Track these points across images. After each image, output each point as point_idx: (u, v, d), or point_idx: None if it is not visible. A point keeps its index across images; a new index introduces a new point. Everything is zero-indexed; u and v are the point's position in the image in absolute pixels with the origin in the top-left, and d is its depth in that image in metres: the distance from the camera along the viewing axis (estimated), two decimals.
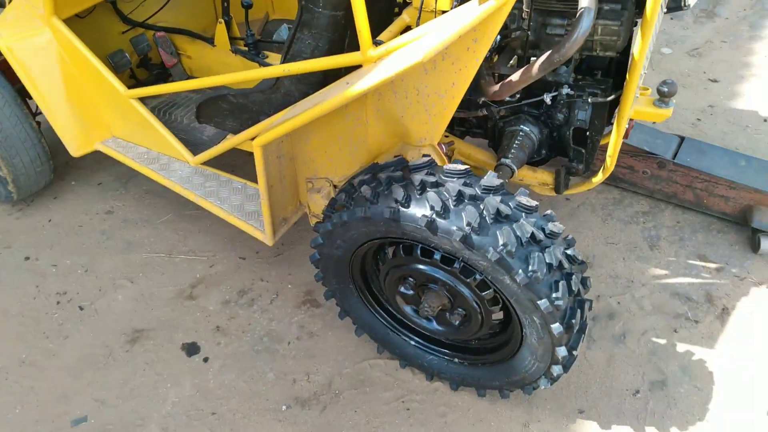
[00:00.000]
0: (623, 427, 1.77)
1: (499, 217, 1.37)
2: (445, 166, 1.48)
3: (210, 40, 2.63)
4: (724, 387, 1.86)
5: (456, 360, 1.81)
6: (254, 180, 1.92)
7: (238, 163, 2.43)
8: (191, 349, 2.03)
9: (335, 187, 1.90)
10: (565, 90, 1.73)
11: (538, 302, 1.36)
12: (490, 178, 1.45)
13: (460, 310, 1.63)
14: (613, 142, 1.72)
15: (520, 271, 1.33)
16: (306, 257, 2.14)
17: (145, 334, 2.07)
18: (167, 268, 2.32)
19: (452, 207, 1.37)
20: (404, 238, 1.51)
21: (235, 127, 2.09)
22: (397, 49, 1.49)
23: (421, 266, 1.59)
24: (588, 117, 1.80)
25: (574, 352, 1.50)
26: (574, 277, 1.43)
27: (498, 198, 1.40)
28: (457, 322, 1.65)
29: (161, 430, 1.80)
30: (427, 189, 1.42)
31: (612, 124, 1.75)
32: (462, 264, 1.48)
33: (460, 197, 1.38)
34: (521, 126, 1.86)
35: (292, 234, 2.35)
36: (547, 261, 1.36)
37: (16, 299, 2.20)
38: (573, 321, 1.42)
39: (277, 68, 1.75)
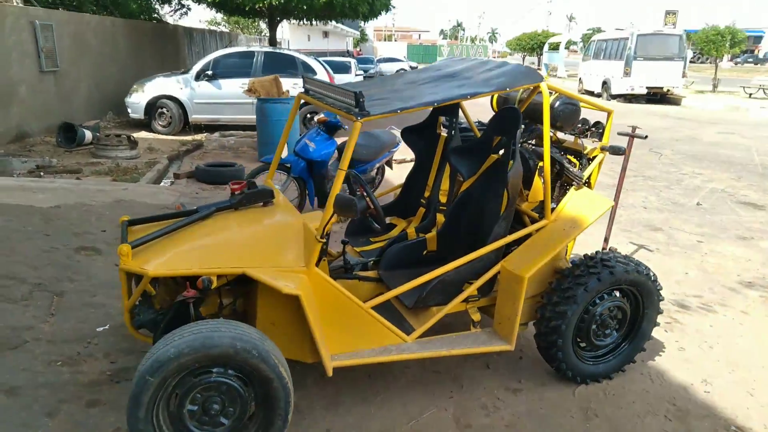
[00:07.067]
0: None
1: (637, 266, 3.32)
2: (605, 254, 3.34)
3: None
4: None
5: (610, 358, 3.50)
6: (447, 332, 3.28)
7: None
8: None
9: None
10: None
11: (658, 289, 3.35)
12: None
13: (616, 321, 3.41)
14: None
15: (651, 277, 3.31)
16: (485, 377, 3.50)
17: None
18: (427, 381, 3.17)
19: (626, 264, 3.27)
20: (605, 288, 3.24)
21: (441, 300, 3.28)
22: (559, 215, 3.32)
23: (603, 304, 3.32)
24: None
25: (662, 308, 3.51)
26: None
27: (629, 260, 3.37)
28: (618, 325, 3.42)
29: None
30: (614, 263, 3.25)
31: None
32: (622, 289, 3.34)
33: (626, 263, 3.29)
34: None
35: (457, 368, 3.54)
36: (653, 271, 3.37)
37: None
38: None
39: (487, 248, 3.23)
